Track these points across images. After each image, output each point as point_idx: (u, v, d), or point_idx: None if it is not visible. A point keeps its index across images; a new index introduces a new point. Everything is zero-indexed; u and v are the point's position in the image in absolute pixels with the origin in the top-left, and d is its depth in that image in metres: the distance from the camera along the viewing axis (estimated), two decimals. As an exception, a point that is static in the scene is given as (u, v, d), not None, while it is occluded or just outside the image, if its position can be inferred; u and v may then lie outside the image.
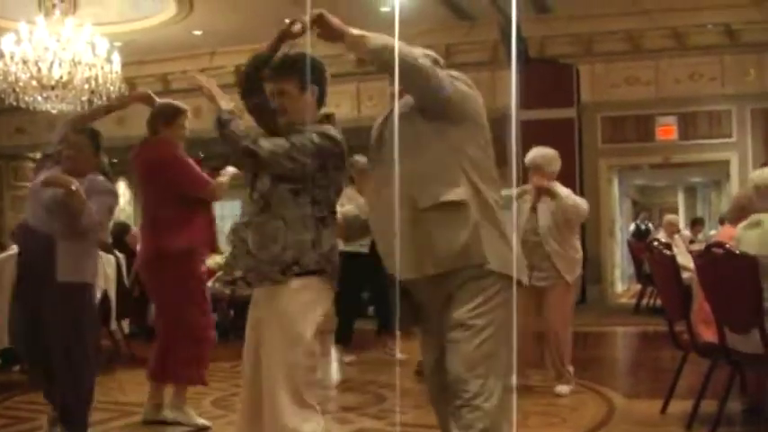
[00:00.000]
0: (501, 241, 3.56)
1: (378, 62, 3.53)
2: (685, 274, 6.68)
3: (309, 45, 3.82)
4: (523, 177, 7.45)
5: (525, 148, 7.40)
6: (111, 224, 9.04)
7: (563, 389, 6.97)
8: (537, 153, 7.18)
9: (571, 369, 7.08)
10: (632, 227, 22.76)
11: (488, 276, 3.52)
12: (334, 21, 3.65)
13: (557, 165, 7.18)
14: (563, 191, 6.98)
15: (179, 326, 5.96)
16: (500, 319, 3.55)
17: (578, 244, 7.21)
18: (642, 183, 25.90)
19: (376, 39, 3.54)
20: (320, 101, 4.07)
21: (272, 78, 4.01)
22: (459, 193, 3.49)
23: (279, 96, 3.99)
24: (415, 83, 3.54)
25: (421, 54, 3.57)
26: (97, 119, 5.98)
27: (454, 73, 3.73)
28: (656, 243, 6.38)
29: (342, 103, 16.32)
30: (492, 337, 3.53)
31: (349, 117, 14.31)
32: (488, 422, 3.49)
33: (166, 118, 6.07)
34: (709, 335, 5.58)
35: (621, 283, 18.13)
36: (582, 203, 7.12)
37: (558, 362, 7.06)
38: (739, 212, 6.08)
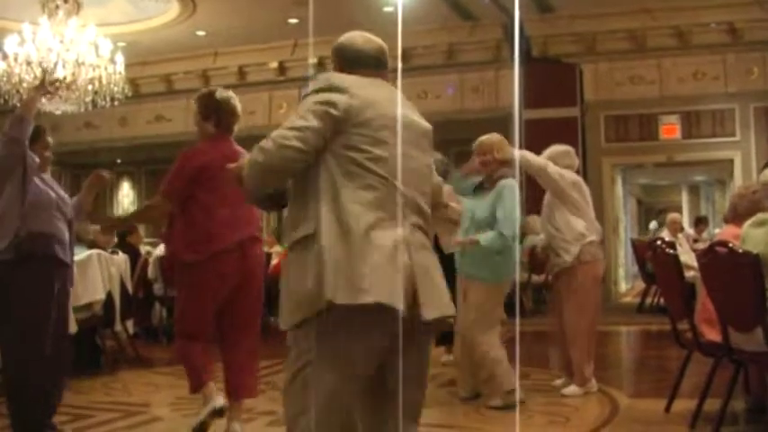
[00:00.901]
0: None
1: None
2: (689, 273, 6.69)
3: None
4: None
5: (528, 146, 7.40)
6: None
7: (569, 390, 6.90)
8: (550, 149, 7.20)
9: (588, 370, 6.94)
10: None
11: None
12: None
13: (567, 159, 7.17)
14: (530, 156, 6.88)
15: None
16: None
17: (577, 222, 6.95)
18: (646, 182, 25.89)
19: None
20: None
21: None
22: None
23: None
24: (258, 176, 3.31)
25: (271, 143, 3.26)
26: None
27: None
28: (659, 242, 6.38)
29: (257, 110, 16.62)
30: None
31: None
32: None
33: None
34: (712, 334, 5.58)
35: (625, 282, 18.11)
36: (538, 164, 6.88)
37: (571, 361, 6.99)
38: (733, 211, 6.11)
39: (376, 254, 3.09)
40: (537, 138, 7.45)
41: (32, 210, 5.36)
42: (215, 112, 5.78)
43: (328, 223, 3.13)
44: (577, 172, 7.26)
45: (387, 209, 3.20)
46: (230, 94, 5.90)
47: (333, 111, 3.22)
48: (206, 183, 5.51)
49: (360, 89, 3.31)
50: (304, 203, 3.24)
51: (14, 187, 5.36)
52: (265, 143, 3.25)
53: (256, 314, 5.76)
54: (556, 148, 7.29)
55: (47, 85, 5.85)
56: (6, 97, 12.60)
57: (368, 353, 3.18)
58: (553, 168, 6.86)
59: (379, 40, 3.66)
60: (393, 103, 3.36)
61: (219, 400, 5.45)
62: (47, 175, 5.68)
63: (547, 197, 7.13)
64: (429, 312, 3.18)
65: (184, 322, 5.64)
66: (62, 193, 5.66)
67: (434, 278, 3.30)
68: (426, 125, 3.56)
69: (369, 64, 3.55)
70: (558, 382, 7.17)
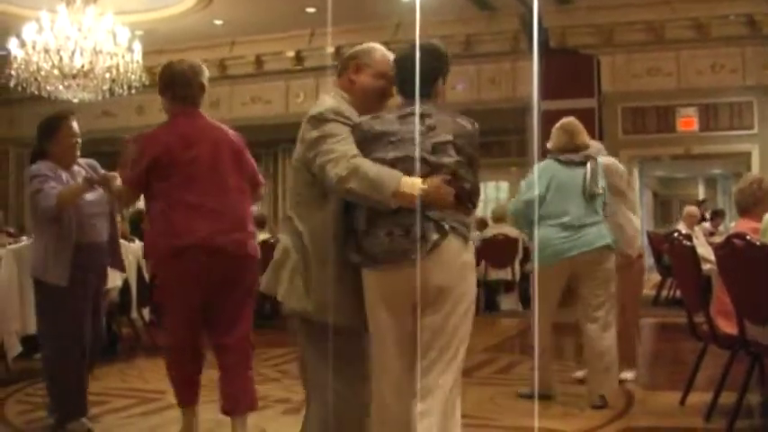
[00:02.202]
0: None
1: None
2: (705, 266, 6.66)
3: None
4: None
5: (546, 137, 7.38)
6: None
7: (629, 375, 7.01)
8: (594, 144, 7.21)
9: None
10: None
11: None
12: None
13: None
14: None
15: None
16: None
17: (635, 218, 6.96)
18: (663, 174, 25.81)
19: None
20: None
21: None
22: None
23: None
24: None
25: None
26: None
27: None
28: (675, 234, 6.37)
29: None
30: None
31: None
32: None
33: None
34: (728, 326, 5.56)
35: (641, 274, 18.07)
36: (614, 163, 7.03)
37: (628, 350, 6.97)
38: (739, 205, 6.09)
39: None
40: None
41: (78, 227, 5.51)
42: (170, 86, 5.16)
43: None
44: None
45: None
46: (191, 62, 5.30)
47: None
48: (163, 171, 4.87)
49: None
50: None
51: (64, 228, 5.48)
52: None
53: (245, 317, 5.14)
54: (599, 145, 7.30)
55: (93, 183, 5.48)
56: (24, 85, 12.64)
57: None
58: (623, 167, 6.93)
59: None
60: None
61: None
62: (76, 167, 5.71)
63: None
64: None
65: (164, 330, 5.25)
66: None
67: None
68: None
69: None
70: (580, 374, 7.11)
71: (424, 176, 3.58)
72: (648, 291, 15.61)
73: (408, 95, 3.77)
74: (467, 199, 3.63)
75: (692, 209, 13.73)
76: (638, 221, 7.05)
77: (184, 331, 5.00)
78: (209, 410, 5.98)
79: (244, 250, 5.00)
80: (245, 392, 5.07)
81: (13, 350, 7.32)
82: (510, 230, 12.81)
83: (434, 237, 3.54)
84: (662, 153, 16.66)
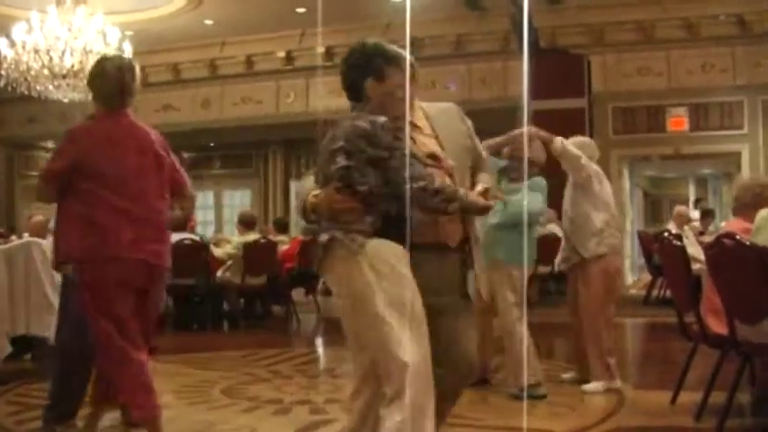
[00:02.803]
0: None
1: None
2: (695, 266, 6.66)
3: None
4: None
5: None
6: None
7: (589, 386, 6.73)
8: (573, 139, 7.17)
9: (607, 366, 6.75)
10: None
11: None
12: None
13: (589, 150, 7.05)
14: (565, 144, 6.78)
15: None
16: None
17: (597, 217, 6.79)
18: (653, 174, 25.82)
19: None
20: None
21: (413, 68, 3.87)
22: None
23: (412, 83, 3.83)
24: None
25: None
26: None
27: None
28: (666, 234, 6.38)
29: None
30: None
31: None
32: None
33: None
34: (718, 326, 5.57)
35: (632, 274, 18.08)
36: (575, 153, 6.77)
37: (587, 355, 6.86)
38: (738, 204, 6.06)
39: None
40: (544, 129, 7.38)
41: None
42: (94, 84, 5.04)
43: None
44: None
45: None
46: (120, 61, 5.20)
47: None
48: (87, 170, 4.74)
49: None
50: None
51: None
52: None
53: (152, 327, 5.09)
54: (581, 139, 7.28)
55: None
56: (14, 85, 12.62)
57: None
58: (585, 158, 6.80)
59: None
60: None
61: None
62: None
63: (567, 190, 7.04)
64: None
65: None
66: None
67: None
68: None
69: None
70: (567, 376, 7.14)
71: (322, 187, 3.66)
72: (639, 291, 15.67)
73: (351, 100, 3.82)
74: (368, 202, 3.58)
75: (683, 208, 13.76)
76: (602, 221, 6.82)
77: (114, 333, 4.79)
78: (199, 411, 6.00)
79: (161, 261, 4.92)
80: (148, 398, 4.85)
81: (2, 351, 7.30)
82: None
83: (320, 252, 3.64)
84: (652, 153, 16.70)
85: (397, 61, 3.76)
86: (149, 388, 4.82)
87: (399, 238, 3.57)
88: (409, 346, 3.46)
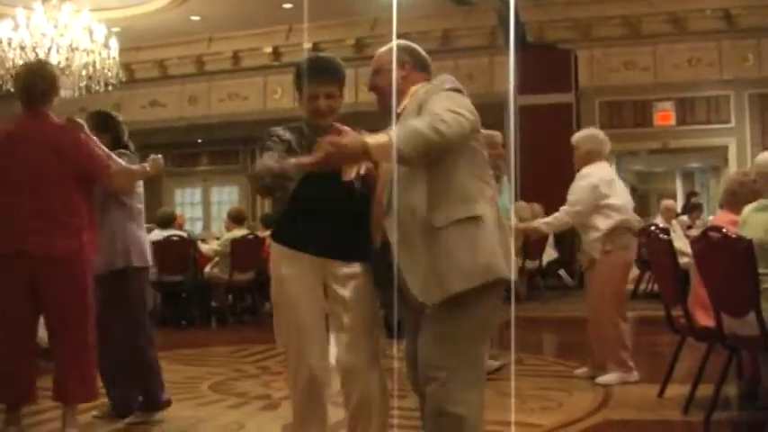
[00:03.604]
0: None
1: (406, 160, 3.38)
2: (683, 260, 6.69)
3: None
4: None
5: (523, 132, 7.40)
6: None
7: (604, 378, 6.77)
8: (576, 134, 7.21)
9: (623, 356, 6.83)
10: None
11: None
12: (347, 143, 3.41)
13: (591, 144, 7.09)
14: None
15: None
16: None
17: (603, 222, 6.82)
18: (640, 168, 25.84)
19: (394, 137, 3.32)
20: None
21: (322, 82, 4.03)
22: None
23: (327, 99, 4.04)
24: (430, 150, 3.38)
25: (427, 122, 3.38)
26: None
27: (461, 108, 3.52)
28: (653, 228, 6.39)
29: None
30: None
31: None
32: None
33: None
34: (705, 319, 5.59)
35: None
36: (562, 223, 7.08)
37: (601, 351, 6.93)
38: (731, 197, 6.07)
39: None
40: (531, 124, 7.44)
41: None
42: (15, 86, 5.31)
43: (488, 209, 3.57)
44: (571, 158, 7.21)
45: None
46: (33, 65, 5.54)
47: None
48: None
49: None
50: (461, 187, 3.54)
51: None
52: (438, 122, 3.36)
53: (73, 316, 5.02)
54: (591, 132, 7.33)
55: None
56: (0, 82, 12.57)
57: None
58: (575, 210, 6.87)
59: None
60: None
61: None
62: None
63: None
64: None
65: None
66: None
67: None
68: None
69: (428, 70, 3.95)
70: (580, 371, 7.11)
71: None
72: (626, 285, 15.67)
73: None
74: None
75: (670, 202, 13.79)
76: (607, 225, 6.74)
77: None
78: (187, 408, 6.00)
79: (49, 251, 4.95)
80: (77, 383, 5.01)
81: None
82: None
83: None
84: (639, 147, 16.74)
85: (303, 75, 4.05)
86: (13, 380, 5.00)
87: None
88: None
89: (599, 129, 14.61)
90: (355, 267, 3.99)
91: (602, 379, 6.76)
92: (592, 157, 7.03)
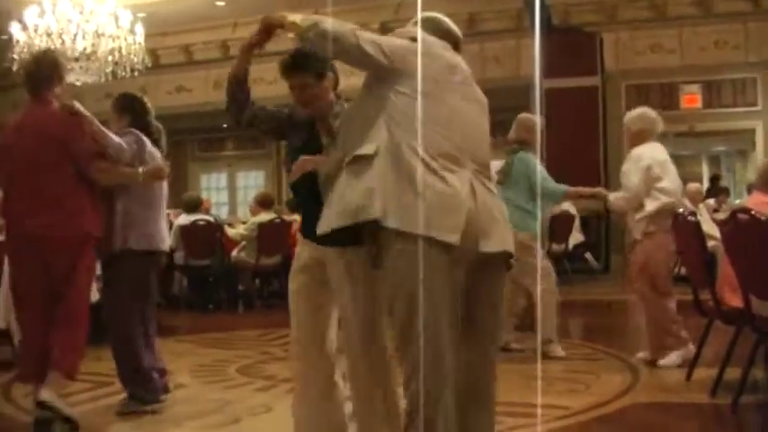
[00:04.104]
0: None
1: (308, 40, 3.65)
2: (710, 243, 6.66)
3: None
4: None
5: (549, 116, 7.39)
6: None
7: (664, 360, 6.76)
8: (628, 114, 7.24)
9: (674, 331, 6.81)
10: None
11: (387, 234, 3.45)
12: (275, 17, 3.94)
13: (643, 123, 7.14)
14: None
15: None
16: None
17: (650, 204, 6.81)
18: (667, 152, 25.74)
19: (305, 20, 3.64)
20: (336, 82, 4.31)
21: (289, 76, 4.30)
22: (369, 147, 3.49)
23: (301, 90, 4.23)
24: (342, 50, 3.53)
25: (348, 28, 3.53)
26: None
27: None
28: (681, 210, 6.37)
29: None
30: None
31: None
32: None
33: None
34: (734, 300, 5.56)
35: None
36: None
37: (656, 332, 6.92)
38: (765, 179, 6.04)
39: (431, 191, 3.37)
40: (558, 107, 7.42)
41: None
42: (22, 76, 5.55)
43: (386, 151, 3.43)
44: (597, 141, 7.20)
45: (442, 153, 3.46)
46: (39, 55, 5.73)
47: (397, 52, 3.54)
48: (5, 153, 5.34)
49: (432, 47, 3.63)
50: (367, 128, 3.51)
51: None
52: (360, 33, 3.51)
53: (71, 295, 5.23)
54: (642, 111, 7.39)
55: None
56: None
57: (441, 286, 3.40)
58: (631, 197, 6.85)
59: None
60: (454, 70, 3.68)
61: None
62: None
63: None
64: (488, 246, 3.46)
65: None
66: None
67: (496, 217, 3.55)
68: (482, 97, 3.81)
69: (450, 40, 3.81)
70: (640, 355, 7.03)
71: None
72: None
73: None
74: None
75: (696, 186, 13.71)
76: (656, 206, 6.75)
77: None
78: (215, 390, 6.04)
79: (51, 233, 5.16)
80: (58, 353, 5.10)
81: (18, 334, 7.34)
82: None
83: None
84: (666, 130, 16.57)
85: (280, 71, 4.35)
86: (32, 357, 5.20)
87: None
88: None
89: (625, 112, 14.60)
90: (330, 252, 4.06)
91: (664, 362, 6.74)
92: (644, 136, 7.02)
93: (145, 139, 5.61)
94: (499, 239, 3.53)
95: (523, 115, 7.46)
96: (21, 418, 5.58)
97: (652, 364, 6.81)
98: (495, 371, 3.77)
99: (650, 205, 6.76)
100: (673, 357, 6.73)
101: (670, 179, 6.85)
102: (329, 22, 3.50)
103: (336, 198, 3.47)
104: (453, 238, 3.36)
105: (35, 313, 5.25)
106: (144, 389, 5.55)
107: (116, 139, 5.32)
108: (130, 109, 5.81)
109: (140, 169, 5.45)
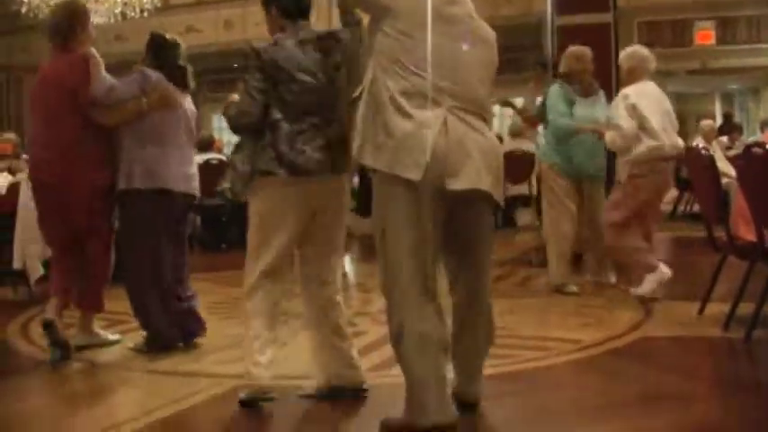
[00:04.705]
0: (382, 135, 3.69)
1: None
2: (723, 180, 6.64)
3: None
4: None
5: (561, 53, 7.35)
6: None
7: (639, 289, 6.89)
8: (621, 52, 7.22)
9: (646, 261, 6.89)
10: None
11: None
12: None
13: (632, 61, 7.05)
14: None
15: None
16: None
17: (637, 148, 6.79)
18: (679, 89, 25.58)
19: None
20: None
21: None
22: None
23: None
24: None
25: None
26: None
27: None
28: (695, 144, 6.36)
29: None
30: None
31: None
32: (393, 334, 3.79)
33: None
34: (748, 233, 5.56)
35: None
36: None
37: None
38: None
39: (399, 129, 3.61)
40: (569, 44, 7.35)
41: None
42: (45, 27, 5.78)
43: (367, 92, 3.73)
44: (609, 78, 7.17)
45: (415, 91, 3.64)
46: (59, 5, 5.87)
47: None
48: (31, 102, 5.73)
49: None
50: (364, 69, 3.83)
51: None
52: None
53: (91, 236, 5.60)
54: (633, 49, 7.28)
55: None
56: (36, 11, 12.60)
57: (405, 220, 3.67)
58: (622, 135, 6.80)
59: None
60: (445, 8, 3.80)
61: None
62: None
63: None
64: (455, 184, 3.62)
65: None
66: None
67: (472, 155, 3.66)
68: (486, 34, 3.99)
69: None
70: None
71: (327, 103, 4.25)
72: (665, 206, 15.61)
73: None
74: None
75: (710, 122, 13.65)
76: (641, 150, 6.73)
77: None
78: (232, 326, 6.08)
79: (58, 178, 5.46)
80: (82, 292, 5.67)
81: (35, 273, 7.39)
82: (527, 146, 12.73)
83: None
84: (678, 68, 16.53)
85: None
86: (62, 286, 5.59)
87: None
88: None
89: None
90: None
91: (639, 291, 6.83)
92: (635, 75, 6.96)
93: (151, 75, 5.60)
94: (470, 178, 3.65)
95: (574, 48, 7.49)
96: (36, 355, 5.68)
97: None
98: (489, 290, 4.08)
99: (636, 149, 6.72)
100: (646, 286, 6.78)
101: (656, 120, 6.75)
102: None
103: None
104: (413, 175, 3.54)
105: (59, 252, 5.70)
106: (157, 330, 5.62)
107: (105, 82, 5.45)
108: (149, 48, 5.82)
109: (144, 100, 5.51)
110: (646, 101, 6.79)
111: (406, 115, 3.58)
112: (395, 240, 3.68)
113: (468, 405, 4.08)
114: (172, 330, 5.62)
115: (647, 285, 6.76)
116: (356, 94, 3.89)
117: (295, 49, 4.25)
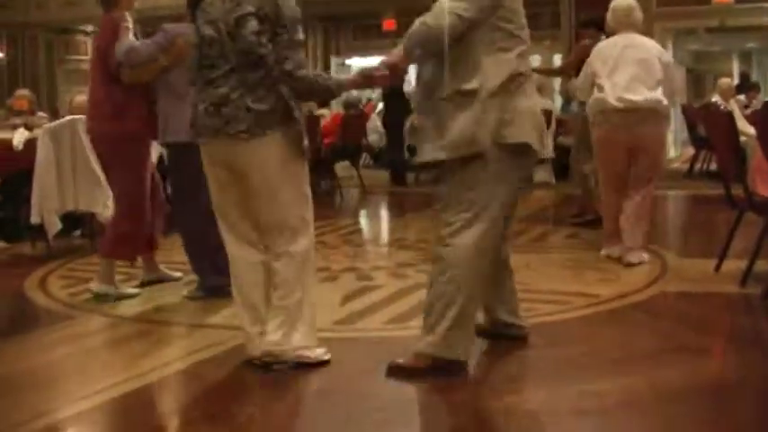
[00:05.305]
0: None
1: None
2: (741, 138, 6.61)
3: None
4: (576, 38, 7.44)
5: (578, 11, 7.29)
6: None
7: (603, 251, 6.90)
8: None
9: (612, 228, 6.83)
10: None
11: None
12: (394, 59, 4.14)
13: (610, 14, 6.86)
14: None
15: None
16: None
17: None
18: (697, 48, 25.41)
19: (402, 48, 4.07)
20: None
21: None
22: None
23: None
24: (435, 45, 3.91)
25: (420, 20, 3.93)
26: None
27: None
28: (714, 100, 6.33)
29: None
30: None
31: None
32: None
33: None
34: (766, 191, 5.55)
35: (675, 148, 17.88)
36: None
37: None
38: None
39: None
40: (586, 2, 7.32)
41: None
42: None
43: (491, 81, 3.91)
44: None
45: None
46: None
47: None
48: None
49: None
50: (473, 60, 3.93)
51: None
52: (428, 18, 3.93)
53: (114, 182, 6.02)
54: (616, 4, 7.00)
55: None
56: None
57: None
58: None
59: None
60: None
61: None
62: None
63: None
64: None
65: None
66: None
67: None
68: None
69: None
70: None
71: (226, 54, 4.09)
72: (682, 164, 15.58)
73: None
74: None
75: (728, 81, 13.56)
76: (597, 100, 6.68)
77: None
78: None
79: (94, 132, 5.99)
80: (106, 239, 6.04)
81: (53, 228, 7.43)
82: (544, 103, 12.67)
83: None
84: (697, 25, 16.39)
85: None
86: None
87: None
88: None
89: (656, 6, 14.34)
90: None
91: (605, 251, 6.86)
92: (612, 28, 6.85)
93: (171, 30, 5.63)
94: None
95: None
96: (52, 306, 5.80)
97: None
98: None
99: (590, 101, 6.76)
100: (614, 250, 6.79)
101: (620, 74, 6.53)
102: (413, 38, 3.98)
103: (447, 127, 3.95)
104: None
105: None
106: (212, 277, 5.70)
107: (125, 45, 5.58)
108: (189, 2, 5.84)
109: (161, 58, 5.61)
110: (605, 55, 6.66)
111: None
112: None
113: (519, 338, 4.53)
114: (223, 278, 5.66)
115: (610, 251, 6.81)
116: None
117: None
